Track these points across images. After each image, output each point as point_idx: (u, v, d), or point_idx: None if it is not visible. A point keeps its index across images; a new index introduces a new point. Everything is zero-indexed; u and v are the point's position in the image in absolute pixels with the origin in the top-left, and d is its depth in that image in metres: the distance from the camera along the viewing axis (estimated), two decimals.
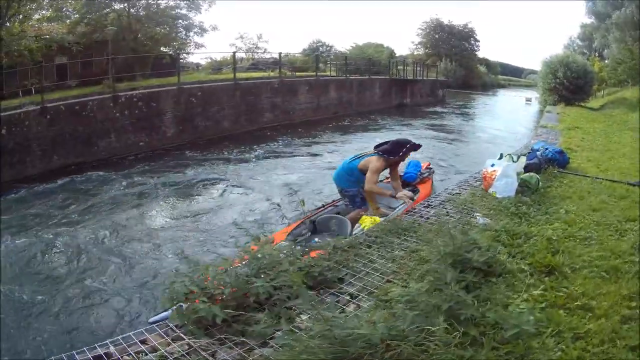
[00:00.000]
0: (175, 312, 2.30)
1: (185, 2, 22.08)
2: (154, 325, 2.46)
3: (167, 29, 21.76)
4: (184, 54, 23.33)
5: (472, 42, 51.25)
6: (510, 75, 63.99)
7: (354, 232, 4.39)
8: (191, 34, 23.14)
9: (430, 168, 7.16)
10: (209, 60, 26.74)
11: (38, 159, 10.54)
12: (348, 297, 2.65)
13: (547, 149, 6.54)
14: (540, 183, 5.00)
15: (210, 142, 13.75)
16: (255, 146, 13.53)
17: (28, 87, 12.61)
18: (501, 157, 5.47)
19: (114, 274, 5.52)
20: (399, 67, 27.94)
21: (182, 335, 2.27)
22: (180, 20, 22.29)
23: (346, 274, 2.93)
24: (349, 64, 26.22)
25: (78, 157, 11.28)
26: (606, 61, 30.71)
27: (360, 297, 2.65)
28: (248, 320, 2.27)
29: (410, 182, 6.20)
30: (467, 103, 31.78)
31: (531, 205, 4.42)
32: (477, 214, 4.24)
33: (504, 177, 4.68)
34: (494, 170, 4.81)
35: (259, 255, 2.66)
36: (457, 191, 5.22)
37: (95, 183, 9.93)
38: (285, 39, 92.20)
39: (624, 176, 6.17)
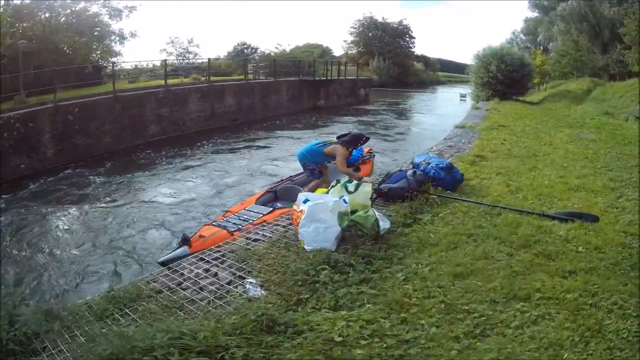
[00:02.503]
0: None
1: (106, 9, 22.58)
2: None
3: (86, 38, 21.92)
4: (106, 62, 23.03)
5: (407, 39, 52.31)
6: (453, 72, 65.33)
7: None
8: (107, 41, 23.48)
9: (371, 152, 8.63)
10: (136, 67, 26.58)
11: None
12: None
13: (429, 164, 5.03)
14: (385, 224, 3.38)
15: (91, 160, 13.70)
16: (135, 159, 13.73)
17: None
18: (336, 183, 3.78)
19: None
20: (310, 67, 26.85)
21: None
22: (97, 28, 22.53)
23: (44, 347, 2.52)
24: (267, 66, 25.84)
25: None
26: (551, 54, 31.25)
27: None
28: None
29: (353, 163, 7.42)
30: (400, 101, 31.94)
31: (349, 266, 3.02)
32: (251, 280, 2.95)
33: (312, 222, 3.05)
34: (302, 210, 3.07)
35: None
36: (265, 233, 3.90)
37: None
38: (220, 42, 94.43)
39: (541, 201, 4.74)
